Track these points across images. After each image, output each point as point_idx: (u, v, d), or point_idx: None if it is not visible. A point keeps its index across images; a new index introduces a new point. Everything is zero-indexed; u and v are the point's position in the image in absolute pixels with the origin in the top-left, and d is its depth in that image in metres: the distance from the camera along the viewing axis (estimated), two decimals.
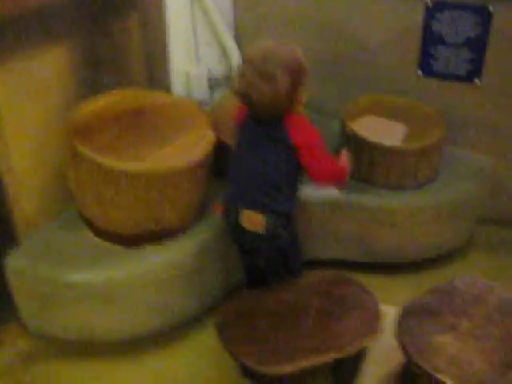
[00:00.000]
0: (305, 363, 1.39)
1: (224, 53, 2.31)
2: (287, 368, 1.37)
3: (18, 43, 1.57)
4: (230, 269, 1.81)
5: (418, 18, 2.04)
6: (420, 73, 2.13)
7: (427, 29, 2.04)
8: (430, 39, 2.05)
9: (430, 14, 2.01)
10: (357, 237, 1.97)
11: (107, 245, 1.67)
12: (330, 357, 1.41)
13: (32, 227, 1.71)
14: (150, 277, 1.63)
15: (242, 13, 2.34)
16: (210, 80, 2.32)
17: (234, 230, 1.60)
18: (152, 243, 1.67)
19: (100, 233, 1.66)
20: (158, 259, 1.64)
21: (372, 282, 2.00)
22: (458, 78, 2.07)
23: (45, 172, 1.71)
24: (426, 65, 2.10)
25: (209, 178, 1.74)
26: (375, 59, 2.18)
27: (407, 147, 1.89)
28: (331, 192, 1.92)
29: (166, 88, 2.17)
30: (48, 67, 1.67)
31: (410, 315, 1.49)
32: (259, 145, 1.55)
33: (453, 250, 2.09)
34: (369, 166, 1.95)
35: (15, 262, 1.61)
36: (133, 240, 1.65)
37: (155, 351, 1.74)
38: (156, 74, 2.13)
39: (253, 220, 1.55)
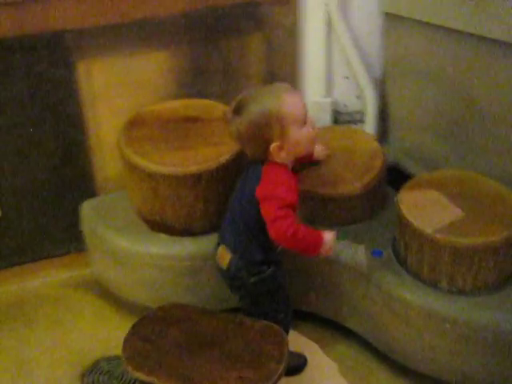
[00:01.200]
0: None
1: (360, 89, 2.22)
2: (149, 378, 1.41)
3: (121, 44, 1.97)
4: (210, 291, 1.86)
5: None
6: None
7: None
8: None
9: None
10: (369, 317, 1.73)
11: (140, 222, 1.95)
12: None
13: (109, 189, 2.15)
14: (146, 259, 1.84)
15: (391, 52, 2.19)
16: (339, 113, 2.28)
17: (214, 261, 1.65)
18: (167, 233, 1.85)
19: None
20: (155, 249, 1.83)
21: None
22: None
23: None
24: None
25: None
26: (491, 133, 1.77)
27: (435, 237, 1.54)
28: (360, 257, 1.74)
29: None
30: (146, 68, 2.03)
31: None
32: (241, 183, 1.57)
33: None
34: (405, 246, 1.66)
35: (85, 208, 2.03)
36: (150, 225, 1.89)
37: None
38: None
39: (221, 255, 1.58)
